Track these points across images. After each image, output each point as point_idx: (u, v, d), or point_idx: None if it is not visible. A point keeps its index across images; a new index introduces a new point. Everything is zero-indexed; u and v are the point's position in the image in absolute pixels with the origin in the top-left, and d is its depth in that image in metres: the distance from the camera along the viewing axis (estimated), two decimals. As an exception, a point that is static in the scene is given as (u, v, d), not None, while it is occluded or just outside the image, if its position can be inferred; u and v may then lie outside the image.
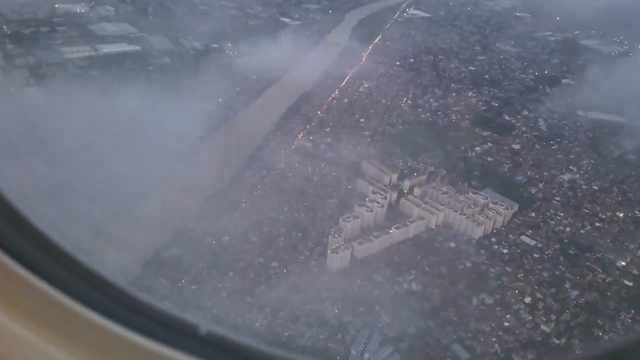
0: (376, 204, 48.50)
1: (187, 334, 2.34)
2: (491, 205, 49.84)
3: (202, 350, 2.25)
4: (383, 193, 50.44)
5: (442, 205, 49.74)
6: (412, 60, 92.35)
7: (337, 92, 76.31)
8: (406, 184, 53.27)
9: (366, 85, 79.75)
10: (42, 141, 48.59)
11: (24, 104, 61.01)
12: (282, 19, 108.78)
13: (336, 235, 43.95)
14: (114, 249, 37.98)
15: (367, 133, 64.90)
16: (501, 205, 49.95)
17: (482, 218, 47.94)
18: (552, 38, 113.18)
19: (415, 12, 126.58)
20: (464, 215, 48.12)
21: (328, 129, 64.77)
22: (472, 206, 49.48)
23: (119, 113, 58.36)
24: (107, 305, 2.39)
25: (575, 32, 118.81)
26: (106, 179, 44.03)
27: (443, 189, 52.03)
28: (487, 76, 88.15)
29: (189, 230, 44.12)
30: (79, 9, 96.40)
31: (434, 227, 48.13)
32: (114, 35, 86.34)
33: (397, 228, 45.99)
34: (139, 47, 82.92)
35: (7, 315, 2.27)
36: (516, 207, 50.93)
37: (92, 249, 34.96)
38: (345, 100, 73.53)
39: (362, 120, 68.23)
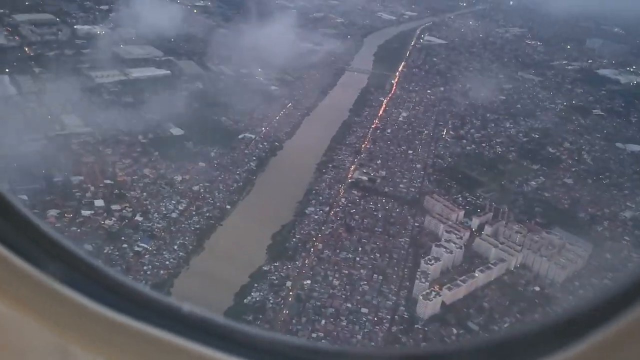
0: (454, 245, 46.60)
1: (171, 314, 2.38)
2: (568, 246, 48.27)
3: (186, 330, 2.29)
4: (457, 232, 48.63)
5: (519, 245, 48.02)
6: (442, 88, 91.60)
7: (377, 122, 74.79)
8: (475, 221, 51.54)
9: (404, 114, 78.46)
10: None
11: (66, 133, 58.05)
12: (303, 44, 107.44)
13: (423, 280, 41.85)
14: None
15: (418, 166, 63.25)
16: (579, 246, 48.41)
17: (563, 260, 46.29)
18: (570, 67, 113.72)
19: (431, 38, 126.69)
20: (544, 257, 46.43)
21: (379, 161, 62.93)
22: (550, 247, 47.86)
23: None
24: (95, 289, 2.43)
25: (589, 61, 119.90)
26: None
27: (515, 227, 50.38)
28: (518, 106, 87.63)
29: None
30: (99, 30, 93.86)
31: (513, 269, 46.35)
32: (140, 59, 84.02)
33: (481, 271, 44.10)
34: (168, 72, 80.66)
35: (6, 305, 2.35)
36: (591, 248, 49.43)
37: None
38: (388, 131, 71.96)
39: (410, 151, 66.58)
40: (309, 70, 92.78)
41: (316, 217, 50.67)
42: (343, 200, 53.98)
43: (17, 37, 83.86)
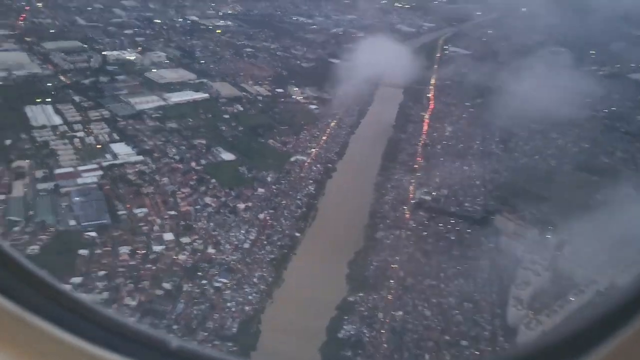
0: (539, 266, 44.74)
1: (160, 349, 2.44)
2: (654, 262, 46.27)
3: None
4: (538, 253, 46.76)
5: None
6: (480, 100, 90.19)
7: (424, 138, 73.26)
8: (552, 239, 49.64)
9: (449, 129, 76.99)
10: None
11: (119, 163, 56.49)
12: (331, 59, 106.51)
13: (519, 307, 39.97)
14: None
15: (477, 182, 61.53)
16: (665, 261, 46.42)
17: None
18: (600, 73, 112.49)
19: (455, 49, 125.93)
20: (634, 275, 44.46)
21: (437, 179, 61.23)
22: (637, 264, 45.90)
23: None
24: (77, 323, 2.45)
25: (617, 66, 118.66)
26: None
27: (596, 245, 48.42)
28: (561, 115, 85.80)
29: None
30: (128, 55, 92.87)
31: (603, 290, 44.33)
32: (175, 83, 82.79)
33: (575, 294, 42.15)
34: (206, 95, 79.25)
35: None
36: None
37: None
38: (438, 147, 70.38)
39: (465, 167, 64.93)
40: (343, 86, 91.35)
41: (388, 242, 48.89)
42: (411, 222, 52.17)
43: (50, 66, 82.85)
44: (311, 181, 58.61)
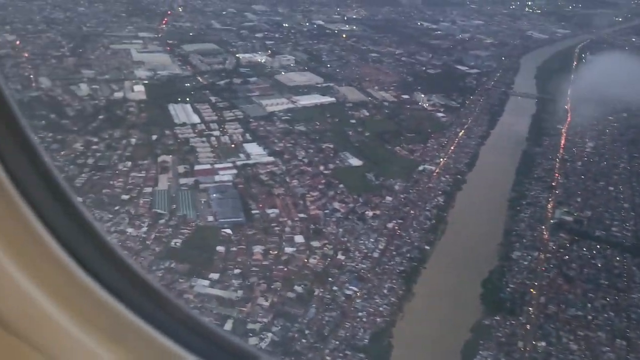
0: None
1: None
2: None
3: None
4: None
5: None
6: (625, 114, 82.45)
7: (562, 153, 68.10)
8: None
9: (590, 144, 71.00)
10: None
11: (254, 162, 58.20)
12: (458, 66, 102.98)
13: (684, 351, 35.40)
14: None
15: (626, 205, 55.91)
16: None
17: None
18: None
19: (595, 58, 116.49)
20: None
21: (579, 199, 56.47)
22: None
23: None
24: (165, 321, 2.33)
25: None
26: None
27: None
28: None
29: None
30: (259, 58, 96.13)
31: None
32: (302, 86, 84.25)
33: None
34: (333, 99, 79.72)
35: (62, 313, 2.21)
36: None
37: None
38: (579, 164, 65.06)
39: (610, 188, 59.37)
40: (471, 95, 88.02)
41: (525, 263, 45.61)
42: (551, 244, 48.34)
43: (189, 67, 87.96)
44: (440, 192, 56.49)
